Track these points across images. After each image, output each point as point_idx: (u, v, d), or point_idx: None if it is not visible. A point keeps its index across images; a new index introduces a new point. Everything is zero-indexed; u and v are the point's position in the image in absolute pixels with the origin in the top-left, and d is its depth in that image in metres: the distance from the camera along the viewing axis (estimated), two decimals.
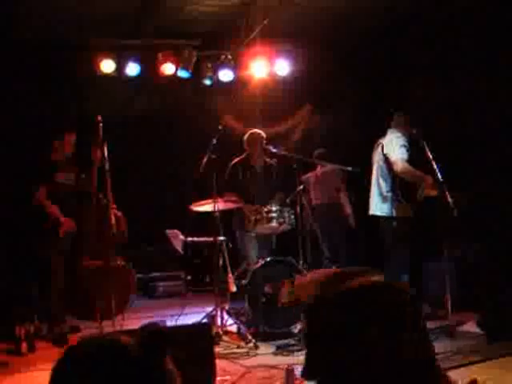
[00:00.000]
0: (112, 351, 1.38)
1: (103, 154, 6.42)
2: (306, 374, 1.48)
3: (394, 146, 6.79)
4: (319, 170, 9.09)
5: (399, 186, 6.82)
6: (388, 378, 1.35)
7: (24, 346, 6.09)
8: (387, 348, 1.35)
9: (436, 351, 4.37)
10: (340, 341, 1.38)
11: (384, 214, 6.93)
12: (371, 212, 7.08)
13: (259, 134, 7.36)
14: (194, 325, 5.91)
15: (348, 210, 9.01)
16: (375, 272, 1.52)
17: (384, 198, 6.91)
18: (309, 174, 9.07)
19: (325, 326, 1.43)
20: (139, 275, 8.22)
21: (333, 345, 1.40)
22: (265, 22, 8.20)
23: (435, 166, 6.40)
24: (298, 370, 4.50)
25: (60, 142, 6.86)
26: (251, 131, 7.42)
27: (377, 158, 6.99)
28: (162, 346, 1.43)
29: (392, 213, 6.85)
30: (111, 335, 1.52)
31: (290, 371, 4.24)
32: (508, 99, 7.28)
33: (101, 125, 6.42)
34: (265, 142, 7.28)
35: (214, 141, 6.66)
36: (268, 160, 7.39)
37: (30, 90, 8.55)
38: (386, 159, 6.84)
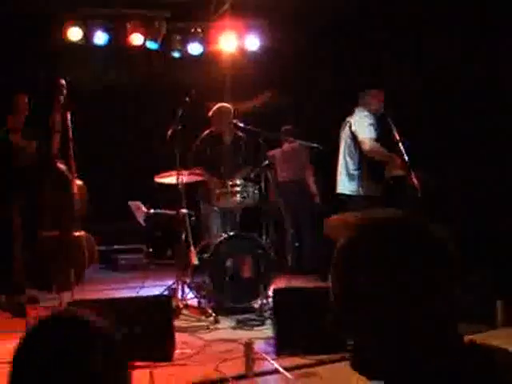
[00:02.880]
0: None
1: (66, 120, 6.29)
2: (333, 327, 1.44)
3: (361, 125, 6.75)
4: (286, 146, 9.05)
5: (367, 164, 6.79)
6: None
7: None
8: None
9: None
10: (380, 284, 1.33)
11: (351, 193, 6.90)
12: (338, 190, 7.04)
13: (226, 107, 7.29)
14: (153, 297, 5.86)
15: (313, 187, 9.00)
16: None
17: (351, 177, 6.88)
18: (275, 150, 9.02)
19: (357, 268, 1.37)
20: (101, 247, 8.12)
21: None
22: None
23: (402, 147, 6.41)
24: (258, 344, 4.50)
25: (12, 103, 6.67)
26: (218, 105, 7.33)
27: (344, 136, 6.94)
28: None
29: (359, 191, 6.84)
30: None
31: (249, 344, 4.22)
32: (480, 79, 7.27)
33: (63, 89, 6.29)
34: (232, 115, 7.21)
35: (180, 112, 6.57)
36: (236, 133, 7.32)
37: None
38: (354, 137, 6.80)
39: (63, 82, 6.31)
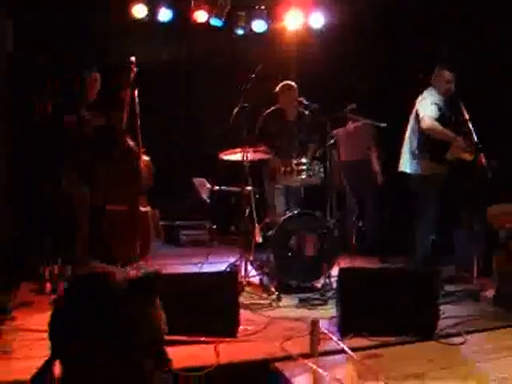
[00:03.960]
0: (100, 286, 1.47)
1: (134, 97, 6.35)
2: None
3: (424, 103, 6.67)
4: (350, 125, 8.94)
5: (429, 144, 6.66)
6: None
7: (48, 286, 6.11)
8: None
9: (459, 314, 4.31)
10: None
11: (411, 172, 6.82)
12: (400, 169, 6.96)
13: (292, 85, 7.26)
14: (219, 273, 5.90)
15: (377, 167, 8.88)
16: None
17: (412, 156, 6.80)
18: (340, 130, 8.93)
19: None
20: (164, 223, 8.18)
21: None
22: None
23: (471, 128, 6.28)
24: (322, 324, 4.48)
25: (86, 79, 6.75)
26: (284, 82, 7.31)
27: (412, 115, 6.85)
28: (148, 285, 1.48)
29: (419, 170, 6.75)
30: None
31: (315, 323, 4.20)
32: None
33: (133, 66, 6.35)
34: (297, 93, 7.17)
35: (246, 86, 6.54)
36: (300, 111, 7.29)
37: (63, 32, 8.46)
38: (417, 116, 6.72)
39: (133, 59, 6.36)
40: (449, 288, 6.29)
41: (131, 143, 6.68)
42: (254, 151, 6.59)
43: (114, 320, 1.43)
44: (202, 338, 4.27)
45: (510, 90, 7.21)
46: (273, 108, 7.30)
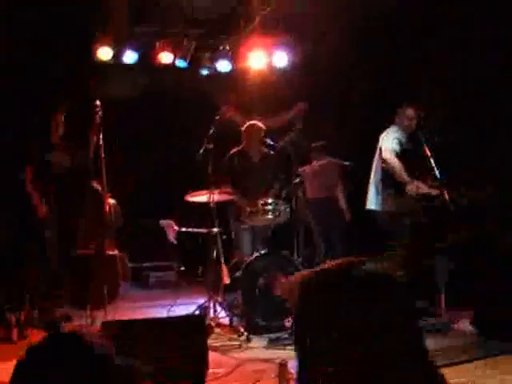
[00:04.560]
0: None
1: (99, 139, 6.36)
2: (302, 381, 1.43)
3: (387, 138, 6.80)
4: (316, 162, 9.02)
5: (393, 180, 6.75)
6: (379, 369, 1.30)
7: (15, 332, 6.02)
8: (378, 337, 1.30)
9: (431, 348, 4.33)
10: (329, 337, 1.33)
11: (377, 208, 6.90)
12: (367, 206, 7.03)
13: (258, 126, 7.31)
14: (187, 316, 5.87)
15: (343, 204, 8.94)
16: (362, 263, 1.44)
17: (377, 192, 6.89)
18: (306, 167, 9.00)
19: (311, 323, 1.37)
20: (132, 264, 8.15)
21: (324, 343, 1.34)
22: (264, 12, 8.17)
23: (433, 163, 6.38)
24: (291, 364, 4.47)
25: (51, 121, 6.77)
26: (250, 123, 7.36)
27: (377, 152, 6.96)
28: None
29: (384, 207, 6.82)
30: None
31: (283, 365, 4.19)
32: None
33: (99, 109, 6.37)
34: (263, 134, 7.23)
35: (212, 130, 6.60)
36: (265, 151, 7.34)
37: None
38: (380, 152, 6.83)
39: (98, 102, 6.38)
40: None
41: (98, 187, 6.67)
42: (220, 192, 6.62)
43: None
44: None
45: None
46: (237, 149, 7.34)
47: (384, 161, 6.71)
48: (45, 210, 6.72)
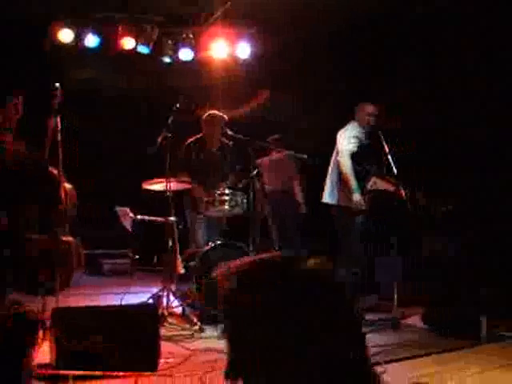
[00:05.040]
0: None
1: (57, 124, 6.26)
2: (229, 375, 1.42)
3: (344, 136, 6.84)
4: (273, 155, 9.04)
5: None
6: (315, 375, 1.29)
7: None
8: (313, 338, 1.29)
9: (380, 343, 4.36)
10: (261, 332, 1.32)
11: (332, 203, 6.96)
12: (322, 199, 7.09)
13: (219, 115, 7.28)
14: (140, 305, 5.84)
15: (299, 197, 8.99)
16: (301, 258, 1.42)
17: (333, 187, 6.95)
18: (263, 159, 9.01)
19: (243, 317, 1.36)
20: (86, 251, 8.07)
21: (255, 339, 1.34)
22: (227, 4, 8.15)
23: (391, 160, 6.44)
24: None
25: (8, 104, 6.63)
26: (210, 112, 7.33)
27: (335, 147, 7.00)
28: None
29: (339, 202, 6.89)
30: None
31: None
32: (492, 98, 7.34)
33: (58, 93, 6.27)
34: (223, 124, 7.21)
35: (170, 119, 6.56)
36: (224, 141, 7.32)
37: None
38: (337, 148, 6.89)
39: (58, 85, 6.28)
40: (369, 317, 6.40)
41: (54, 171, 6.57)
42: (177, 181, 6.59)
43: None
44: (121, 373, 4.21)
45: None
46: (195, 138, 7.31)
47: (338, 162, 6.77)
48: None
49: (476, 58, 7.42)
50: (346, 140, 6.76)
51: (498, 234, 6.95)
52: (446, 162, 7.63)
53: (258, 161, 8.54)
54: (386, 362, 4.78)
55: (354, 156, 6.70)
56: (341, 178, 6.83)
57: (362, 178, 6.77)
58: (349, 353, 1.30)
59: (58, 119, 6.29)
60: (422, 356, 5.13)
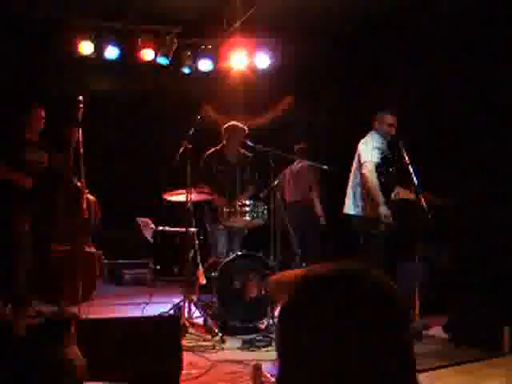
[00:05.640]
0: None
1: (78, 135, 6.32)
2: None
3: (365, 148, 6.79)
4: (294, 165, 9.03)
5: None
6: None
7: None
8: (370, 351, 1.28)
9: None
10: (315, 345, 1.31)
11: (354, 213, 6.91)
12: (345, 211, 7.04)
13: (239, 126, 7.28)
14: (162, 316, 5.86)
15: (319, 208, 8.96)
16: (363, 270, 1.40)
17: (356, 198, 6.90)
18: (286, 169, 9.02)
19: (298, 329, 1.35)
20: (107, 261, 8.14)
21: (308, 351, 1.32)
22: (248, 13, 8.19)
23: (411, 170, 6.40)
24: (265, 366, 4.48)
25: (27, 116, 6.70)
26: (231, 123, 7.34)
27: (355, 159, 6.95)
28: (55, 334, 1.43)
29: (362, 213, 6.84)
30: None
31: (257, 367, 4.20)
32: (490, 99, 7.32)
33: (81, 105, 6.32)
34: (243, 135, 7.21)
35: (192, 130, 6.59)
36: (243, 152, 7.33)
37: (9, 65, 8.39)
38: (359, 160, 6.83)
39: (81, 98, 6.34)
40: None
41: (77, 183, 6.63)
42: (198, 192, 6.62)
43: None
44: None
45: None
46: (214, 149, 7.33)
47: (362, 175, 6.72)
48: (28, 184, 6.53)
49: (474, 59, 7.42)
50: (369, 152, 6.70)
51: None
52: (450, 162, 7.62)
53: (284, 171, 8.58)
54: None
55: (376, 167, 6.66)
56: (363, 189, 6.79)
57: (385, 189, 6.73)
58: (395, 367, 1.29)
59: (80, 131, 6.35)
60: (444, 367, 5.10)
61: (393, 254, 7.13)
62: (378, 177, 6.65)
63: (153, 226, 7.25)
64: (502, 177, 7.05)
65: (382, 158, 6.71)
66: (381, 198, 6.59)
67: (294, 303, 1.33)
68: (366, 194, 6.75)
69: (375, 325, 1.26)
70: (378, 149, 6.72)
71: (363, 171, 6.68)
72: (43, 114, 6.69)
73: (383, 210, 6.56)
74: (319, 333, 1.27)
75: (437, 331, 6.37)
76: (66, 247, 6.57)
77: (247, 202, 6.75)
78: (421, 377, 3.54)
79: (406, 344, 1.31)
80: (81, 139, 6.35)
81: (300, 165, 8.88)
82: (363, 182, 6.72)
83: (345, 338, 1.24)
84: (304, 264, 8.70)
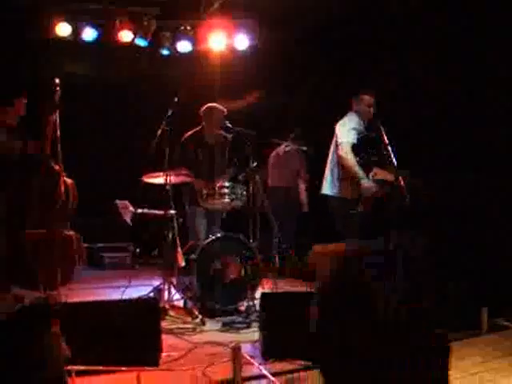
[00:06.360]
0: None
1: (56, 119, 6.25)
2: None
3: (343, 129, 6.81)
4: (280, 150, 8.92)
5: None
6: None
7: None
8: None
9: None
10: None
11: (331, 194, 6.94)
12: (322, 191, 7.06)
13: (218, 108, 7.24)
14: (140, 299, 5.85)
15: (303, 196, 8.88)
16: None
17: (332, 178, 6.93)
18: (273, 153, 8.96)
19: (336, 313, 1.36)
20: (87, 245, 8.08)
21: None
22: None
23: (390, 150, 6.41)
24: (245, 348, 4.50)
25: (16, 104, 6.61)
26: (209, 105, 7.29)
27: (333, 140, 6.97)
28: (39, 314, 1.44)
29: (339, 193, 6.87)
30: None
31: (236, 349, 4.20)
32: (471, 89, 7.33)
33: (58, 88, 6.25)
34: (222, 117, 7.18)
35: (169, 113, 6.54)
36: (222, 134, 7.31)
37: None
38: (337, 141, 6.85)
39: (57, 80, 6.27)
40: None
41: (55, 166, 6.56)
42: (176, 174, 6.59)
43: None
44: (123, 368, 4.21)
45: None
46: (193, 131, 7.29)
47: (339, 156, 6.74)
48: None
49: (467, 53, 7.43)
50: (346, 132, 6.73)
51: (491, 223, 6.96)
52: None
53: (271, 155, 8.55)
54: None
55: (353, 148, 6.67)
56: (341, 170, 6.80)
57: (362, 170, 6.74)
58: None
59: (57, 114, 6.29)
60: None
61: (367, 237, 7.16)
62: (355, 157, 6.66)
63: (132, 208, 7.22)
64: (480, 163, 7.07)
65: (359, 139, 6.73)
66: (361, 173, 6.61)
67: (336, 281, 1.35)
68: (344, 175, 6.78)
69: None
70: (355, 129, 6.74)
71: (339, 152, 6.71)
72: (25, 100, 6.60)
73: (365, 182, 6.59)
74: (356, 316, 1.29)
75: None
76: (41, 231, 6.51)
77: (226, 184, 6.73)
78: None
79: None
80: (57, 122, 6.28)
81: (288, 148, 8.78)
82: (341, 162, 6.74)
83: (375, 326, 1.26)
84: (284, 246, 8.71)
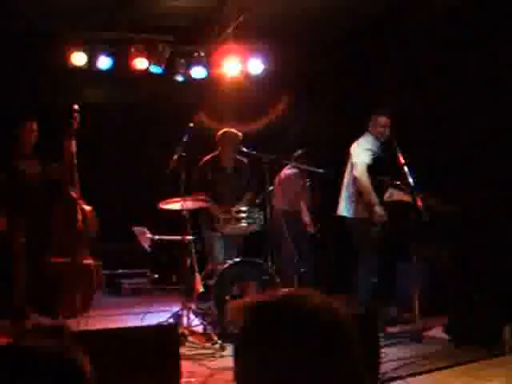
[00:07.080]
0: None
1: (74, 146, 6.31)
2: None
3: (358, 149, 6.81)
4: (283, 172, 8.80)
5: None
6: None
7: None
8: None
9: (401, 356, 4.34)
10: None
11: (348, 215, 6.91)
12: (338, 213, 7.04)
13: (234, 132, 7.25)
14: (160, 325, 5.85)
15: (306, 216, 8.74)
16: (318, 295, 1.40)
17: (349, 199, 6.91)
18: (277, 176, 8.92)
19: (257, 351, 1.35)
20: (105, 271, 8.10)
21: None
22: (239, 19, 8.19)
23: (407, 171, 6.39)
24: None
25: (21, 129, 6.67)
26: (225, 130, 7.30)
27: (349, 161, 6.96)
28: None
29: (355, 214, 6.85)
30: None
31: None
32: (484, 102, 7.32)
33: (76, 115, 6.30)
34: (238, 141, 7.18)
35: (185, 138, 6.57)
36: (239, 159, 7.31)
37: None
38: (352, 162, 6.85)
39: (76, 107, 6.32)
40: (390, 330, 6.37)
41: (74, 194, 6.61)
42: (193, 200, 6.60)
43: None
44: None
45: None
46: (210, 156, 7.30)
47: (355, 177, 6.73)
48: (3, 222, 6.50)
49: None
50: (361, 154, 6.72)
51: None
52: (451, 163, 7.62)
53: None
54: (408, 376, 4.75)
55: (369, 169, 6.66)
56: (357, 191, 6.79)
57: (378, 190, 6.73)
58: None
59: (75, 141, 6.34)
60: (445, 368, 5.09)
61: (391, 254, 7.13)
62: (369, 178, 6.65)
63: (149, 234, 7.23)
64: (503, 177, 7.03)
65: (374, 160, 6.72)
66: (375, 198, 6.60)
67: (245, 330, 1.35)
68: (359, 195, 6.76)
69: (323, 349, 1.26)
70: (371, 150, 6.74)
71: (354, 172, 6.71)
72: (35, 126, 6.66)
73: (378, 209, 6.57)
74: (268, 358, 1.28)
75: (437, 332, 6.36)
76: (65, 259, 6.54)
77: (243, 208, 6.74)
78: (421, 379, 3.54)
79: (355, 367, 1.31)
80: (75, 150, 6.33)
81: (289, 171, 8.67)
82: (356, 183, 6.74)
83: (293, 362, 1.25)
84: (302, 269, 8.62)
